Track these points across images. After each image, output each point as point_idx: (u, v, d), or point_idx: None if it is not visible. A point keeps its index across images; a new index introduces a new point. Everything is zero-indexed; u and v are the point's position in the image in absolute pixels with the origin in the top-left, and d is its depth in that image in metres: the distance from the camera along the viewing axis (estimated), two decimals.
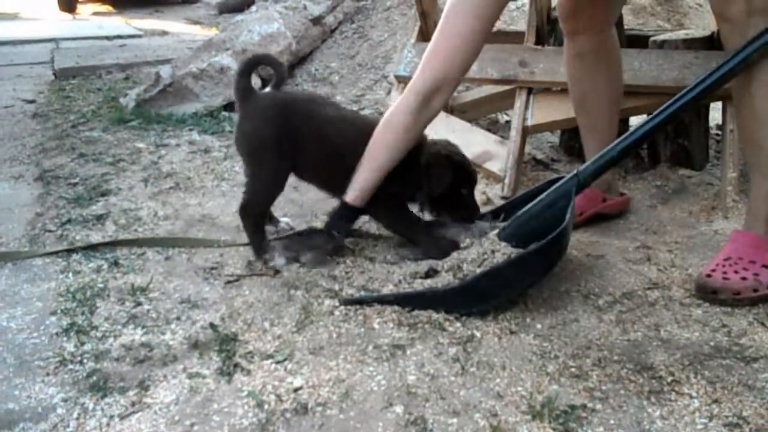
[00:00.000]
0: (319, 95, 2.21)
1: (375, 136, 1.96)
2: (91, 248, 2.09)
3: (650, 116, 1.88)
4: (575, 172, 1.87)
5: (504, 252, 1.75)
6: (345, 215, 2.01)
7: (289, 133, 1.98)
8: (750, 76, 1.78)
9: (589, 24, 2.13)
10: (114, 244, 2.12)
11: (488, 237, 1.82)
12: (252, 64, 2.06)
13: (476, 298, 1.69)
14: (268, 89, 2.09)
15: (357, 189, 1.97)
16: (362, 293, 1.79)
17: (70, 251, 2.07)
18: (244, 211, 2.02)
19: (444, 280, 1.76)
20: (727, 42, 1.81)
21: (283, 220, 2.23)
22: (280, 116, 1.99)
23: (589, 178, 1.87)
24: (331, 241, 2.01)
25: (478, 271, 1.72)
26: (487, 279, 1.69)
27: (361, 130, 1.98)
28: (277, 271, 1.94)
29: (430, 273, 1.81)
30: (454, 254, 1.82)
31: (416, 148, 1.98)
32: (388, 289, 1.79)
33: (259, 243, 2.01)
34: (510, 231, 1.83)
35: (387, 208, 2.03)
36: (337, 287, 1.84)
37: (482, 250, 1.77)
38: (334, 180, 2.02)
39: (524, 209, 1.87)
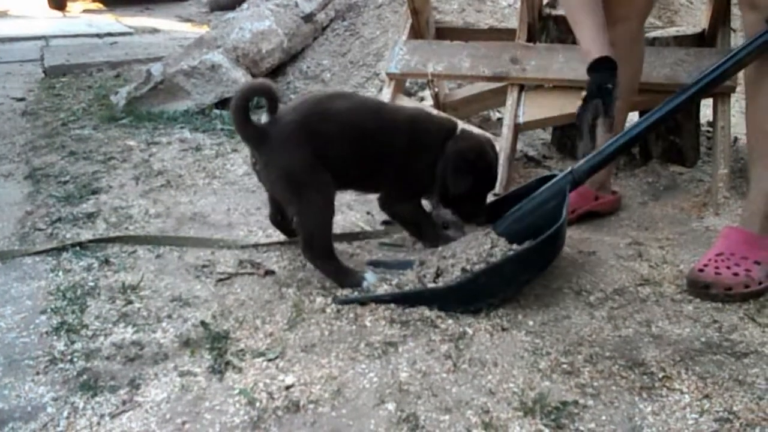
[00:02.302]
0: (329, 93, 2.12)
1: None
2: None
3: (645, 116, 1.87)
4: (570, 169, 1.87)
5: (501, 249, 1.74)
6: (607, 69, 1.88)
7: (317, 148, 1.81)
8: (760, 67, 1.78)
9: (627, 13, 2.12)
10: (107, 241, 2.11)
11: (487, 234, 1.82)
12: (245, 98, 1.79)
13: (473, 296, 1.69)
14: (264, 117, 1.85)
15: (594, 44, 1.90)
16: (356, 293, 1.77)
17: (60, 250, 2.06)
18: (311, 250, 1.83)
19: (446, 278, 1.75)
20: (752, 32, 1.78)
21: None
22: (305, 137, 1.80)
23: (583, 175, 1.87)
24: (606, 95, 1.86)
25: (476, 268, 1.71)
26: (485, 276, 1.69)
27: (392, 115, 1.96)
28: (268, 271, 1.93)
29: (438, 275, 1.77)
30: (457, 252, 1.81)
31: (446, 138, 1.95)
32: (383, 289, 1.77)
33: (344, 272, 1.83)
34: (504, 228, 1.83)
35: (407, 199, 1.98)
36: (329, 285, 1.83)
37: (481, 249, 1.76)
38: (375, 173, 1.93)
39: (518, 206, 1.87)
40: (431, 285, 1.74)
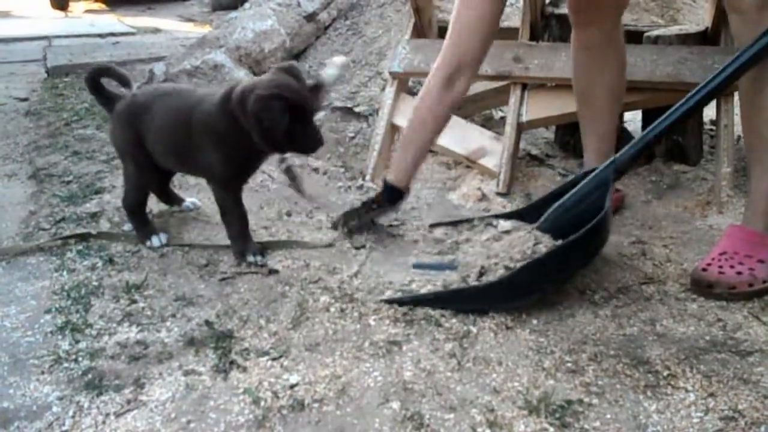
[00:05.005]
0: (168, 88, 2.18)
1: (409, 119, 2.07)
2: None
3: (680, 103, 1.84)
4: (612, 159, 1.86)
5: (546, 244, 1.74)
6: (389, 196, 2.09)
7: (140, 136, 2.05)
8: (758, 72, 1.77)
9: (598, 15, 2.13)
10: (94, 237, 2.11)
11: (530, 232, 1.81)
12: (92, 80, 2.13)
13: (518, 292, 1.69)
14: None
15: (396, 170, 2.08)
16: (400, 294, 1.76)
17: (62, 246, 2.06)
18: (124, 203, 2.18)
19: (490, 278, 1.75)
20: (738, 35, 1.79)
21: (189, 200, 2.37)
22: (130, 122, 2.06)
23: (626, 163, 1.86)
24: (375, 215, 2.09)
25: (518, 265, 1.71)
26: (529, 272, 1.68)
27: (187, 119, 1.97)
28: (271, 270, 1.93)
29: (483, 274, 1.76)
30: (500, 251, 1.80)
31: (228, 105, 1.88)
32: (426, 289, 1.76)
33: (140, 229, 2.13)
34: (548, 225, 1.82)
35: (225, 188, 2.01)
36: (334, 284, 1.83)
37: (525, 247, 1.76)
38: (187, 167, 2.15)
39: (560, 202, 1.86)
40: (474, 283, 1.73)
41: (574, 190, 1.86)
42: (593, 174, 1.86)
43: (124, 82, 2.13)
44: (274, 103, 1.78)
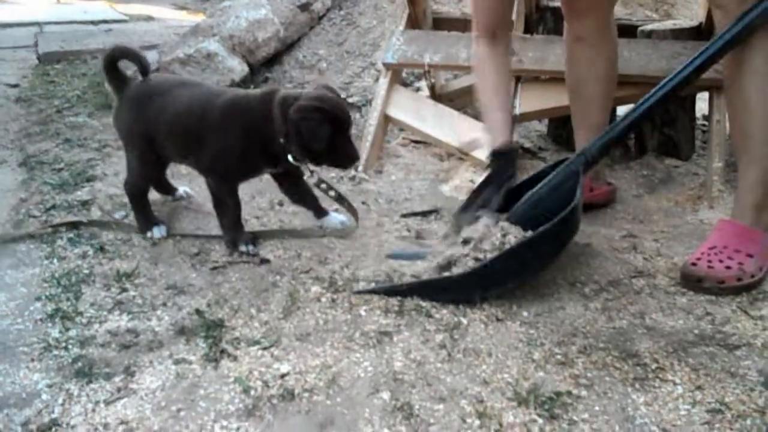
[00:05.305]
0: (181, 78, 2.15)
1: (479, 91, 2.10)
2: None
3: (650, 93, 1.85)
4: (582, 150, 1.87)
5: (516, 235, 1.75)
6: (499, 163, 1.97)
7: (147, 120, 2.04)
8: (740, 65, 1.79)
9: (590, 7, 2.14)
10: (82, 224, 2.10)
11: (498, 223, 1.82)
12: (111, 59, 2.08)
13: (492, 282, 1.69)
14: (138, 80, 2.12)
15: (494, 133, 2.00)
16: (374, 284, 1.77)
17: (53, 234, 2.05)
18: (126, 188, 2.15)
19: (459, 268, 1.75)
20: (722, 29, 1.81)
21: (181, 189, 2.38)
22: (139, 106, 2.06)
23: (596, 155, 1.86)
24: (506, 182, 1.93)
25: (489, 256, 1.71)
26: (502, 262, 1.68)
27: (204, 107, 1.98)
28: (263, 259, 1.93)
29: (451, 263, 1.77)
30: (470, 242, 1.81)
31: (267, 105, 1.91)
32: (398, 279, 1.77)
33: (140, 217, 2.12)
34: (519, 214, 1.83)
35: (218, 177, 2.02)
36: (325, 275, 1.83)
37: (493, 238, 1.76)
38: (192, 154, 2.06)
39: (532, 192, 1.86)
40: (446, 274, 1.74)
41: (543, 182, 1.86)
42: (563, 166, 1.87)
43: (143, 69, 2.08)
44: (315, 115, 1.82)
